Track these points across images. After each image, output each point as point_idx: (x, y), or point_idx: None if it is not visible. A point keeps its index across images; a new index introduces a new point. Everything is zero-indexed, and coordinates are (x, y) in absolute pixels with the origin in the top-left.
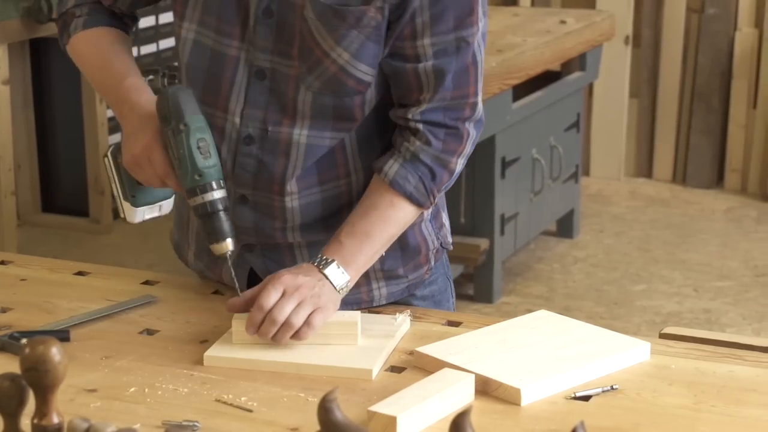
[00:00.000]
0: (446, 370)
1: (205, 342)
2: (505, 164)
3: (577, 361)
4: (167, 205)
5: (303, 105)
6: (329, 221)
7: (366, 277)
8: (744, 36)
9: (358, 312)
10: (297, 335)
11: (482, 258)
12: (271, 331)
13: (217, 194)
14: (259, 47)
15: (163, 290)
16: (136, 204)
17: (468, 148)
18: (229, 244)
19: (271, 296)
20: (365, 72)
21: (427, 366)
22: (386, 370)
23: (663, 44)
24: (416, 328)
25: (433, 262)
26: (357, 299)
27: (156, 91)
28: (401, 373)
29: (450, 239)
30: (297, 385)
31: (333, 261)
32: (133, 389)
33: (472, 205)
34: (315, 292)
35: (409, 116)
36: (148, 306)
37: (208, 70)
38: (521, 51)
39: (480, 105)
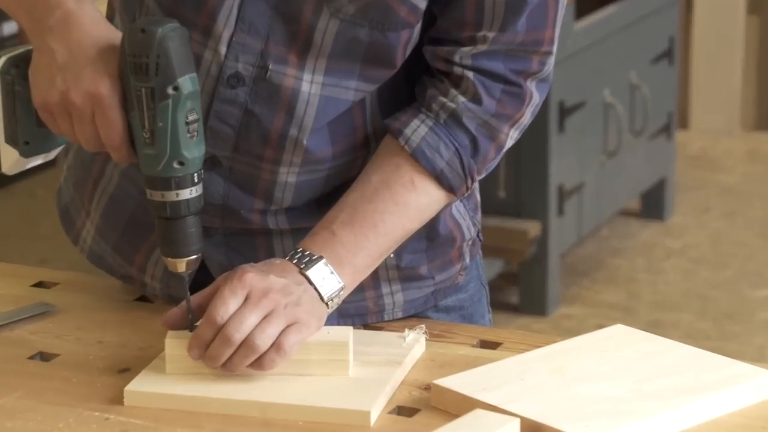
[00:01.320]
0: (478, 413)
1: (126, 371)
2: (564, 112)
3: (670, 400)
4: (56, 151)
5: (323, 37)
6: (327, 204)
7: (374, 278)
8: None
9: (350, 328)
10: (260, 363)
11: (531, 250)
12: (224, 355)
13: (195, 191)
14: None
15: (63, 296)
16: (26, 153)
17: (527, 117)
18: (193, 261)
19: (228, 304)
20: None
21: (451, 406)
22: (390, 413)
23: None
24: (434, 352)
25: (468, 259)
26: (360, 308)
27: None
28: (413, 417)
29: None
30: None
31: (320, 259)
32: None
33: (517, 173)
34: (291, 299)
35: (456, 59)
36: (41, 319)
37: None
38: None
39: (552, 59)
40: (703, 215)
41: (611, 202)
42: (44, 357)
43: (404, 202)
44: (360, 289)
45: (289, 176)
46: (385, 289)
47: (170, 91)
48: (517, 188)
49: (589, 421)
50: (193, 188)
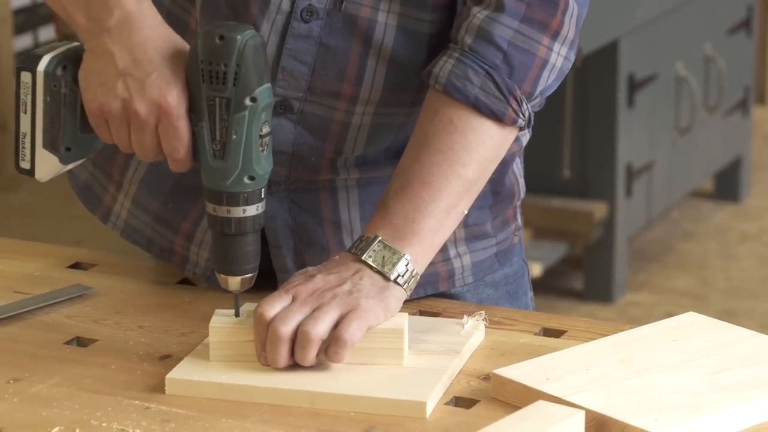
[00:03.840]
0: (541, 404)
1: (168, 358)
2: (633, 86)
3: (744, 392)
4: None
5: None
6: (397, 155)
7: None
8: None
9: (405, 315)
10: (325, 357)
11: (597, 233)
12: (278, 353)
13: (261, 207)
14: None
15: (101, 278)
16: (66, 160)
17: (567, 28)
18: (248, 279)
19: (273, 304)
20: None
21: (511, 397)
22: (447, 404)
23: None
24: (494, 340)
25: (519, 220)
26: (430, 276)
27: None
28: (471, 409)
29: None
30: (309, 425)
31: (375, 239)
32: (56, 430)
33: (583, 151)
34: (342, 290)
35: None
36: (78, 302)
37: None
38: None
39: None
40: None
41: (683, 183)
42: (81, 342)
43: (449, 148)
44: None
45: (364, 118)
46: (452, 252)
47: (248, 102)
48: (583, 167)
49: (658, 414)
50: (260, 204)
